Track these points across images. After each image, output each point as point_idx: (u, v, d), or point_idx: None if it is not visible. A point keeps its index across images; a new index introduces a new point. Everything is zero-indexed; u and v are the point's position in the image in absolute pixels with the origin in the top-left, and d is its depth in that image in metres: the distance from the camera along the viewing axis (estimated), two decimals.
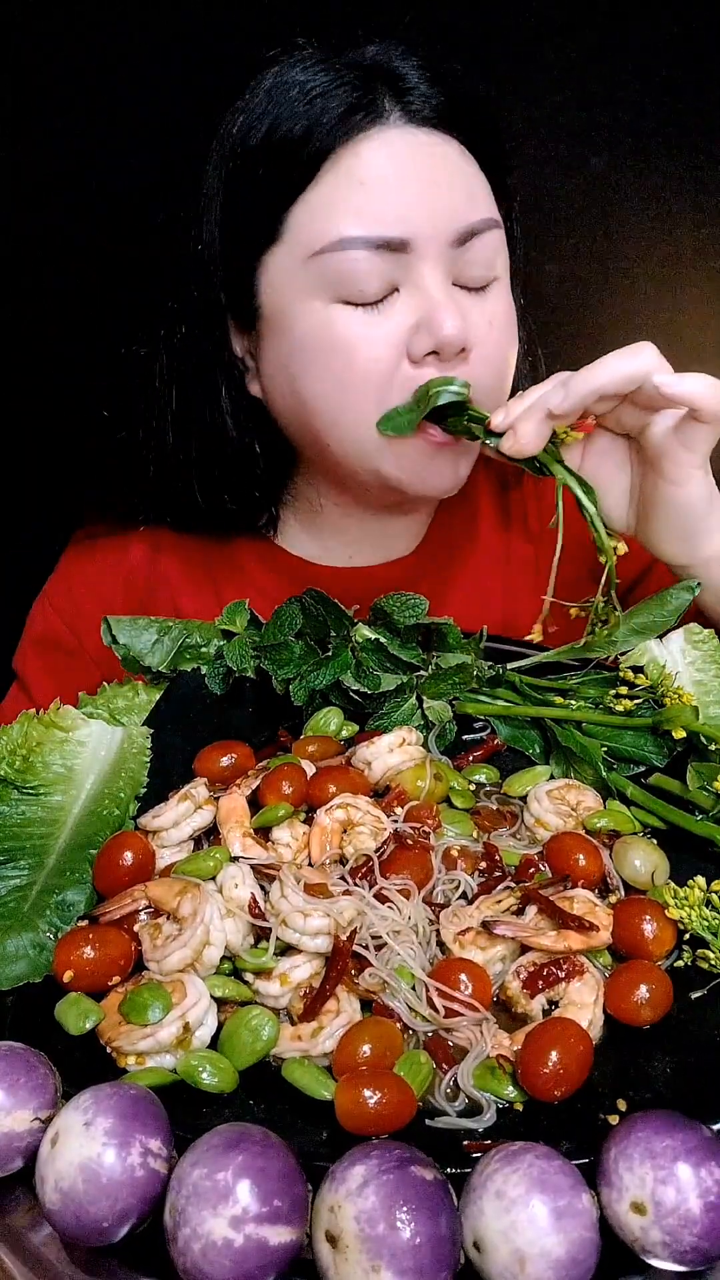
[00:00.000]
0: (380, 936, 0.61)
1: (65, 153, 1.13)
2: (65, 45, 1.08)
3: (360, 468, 0.90)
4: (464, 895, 0.66)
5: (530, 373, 1.02)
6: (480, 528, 1.09)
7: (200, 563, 1.06)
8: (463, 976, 0.58)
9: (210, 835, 0.71)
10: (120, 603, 1.05)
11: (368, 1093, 0.51)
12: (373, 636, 0.81)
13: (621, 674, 0.80)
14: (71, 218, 1.16)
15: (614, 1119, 0.52)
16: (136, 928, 0.62)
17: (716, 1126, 0.50)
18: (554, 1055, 0.53)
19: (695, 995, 0.60)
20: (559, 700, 0.80)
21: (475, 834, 0.72)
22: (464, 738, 0.82)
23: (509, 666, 0.85)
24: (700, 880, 0.64)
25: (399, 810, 0.71)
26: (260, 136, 0.82)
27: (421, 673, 0.81)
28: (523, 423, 0.81)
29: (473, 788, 0.76)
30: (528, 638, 0.85)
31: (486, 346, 0.86)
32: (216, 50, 1.04)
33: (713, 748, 0.73)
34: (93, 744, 0.76)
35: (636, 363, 0.78)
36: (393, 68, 0.82)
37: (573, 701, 0.80)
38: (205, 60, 1.04)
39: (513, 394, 0.99)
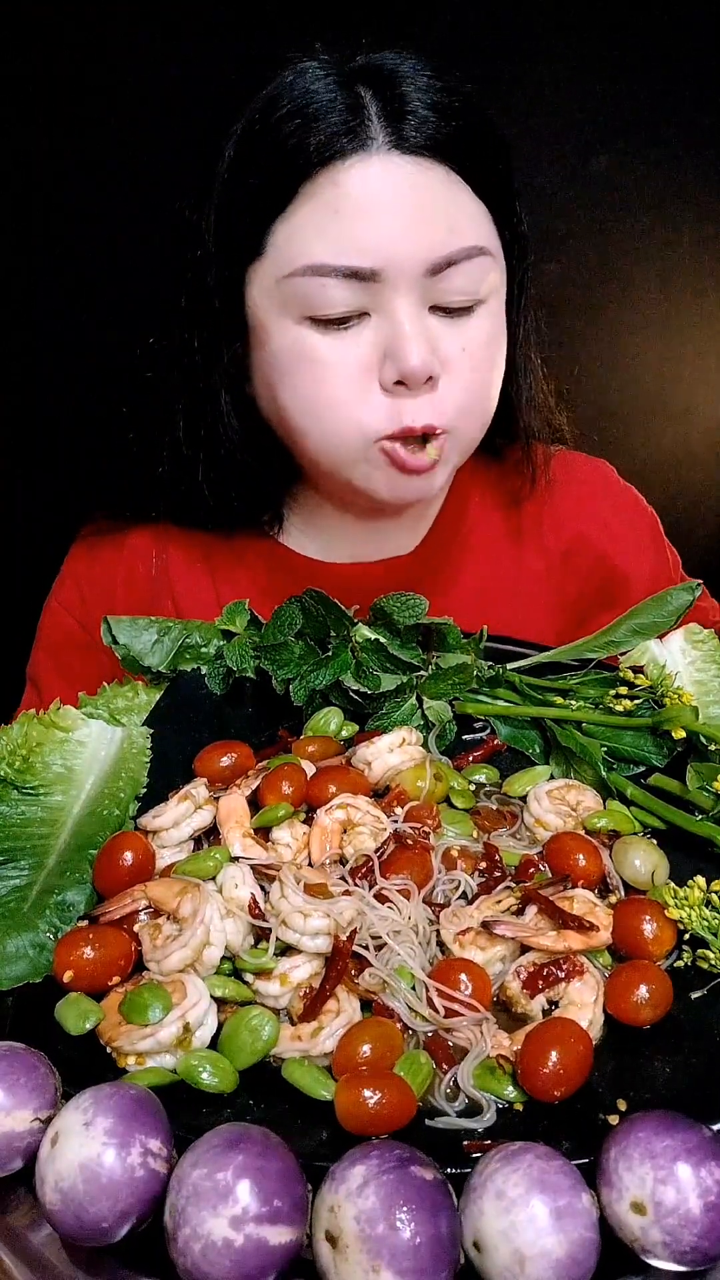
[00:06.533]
0: (380, 936, 0.61)
1: (74, 150, 1.13)
2: (71, 47, 1.08)
3: (335, 476, 0.92)
4: (464, 895, 0.66)
5: (544, 382, 1.03)
6: (482, 533, 1.09)
7: (202, 558, 1.06)
8: (463, 976, 0.58)
9: (210, 835, 0.71)
10: (123, 596, 1.06)
11: (368, 1093, 0.51)
12: (373, 636, 0.81)
13: (621, 674, 0.80)
14: (80, 217, 1.16)
15: (614, 1119, 0.52)
16: (136, 928, 0.62)
17: (716, 1126, 0.50)
18: (554, 1055, 0.53)
19: (695, 995, 0.60)
20: (559, 700, 0.80)
21: (475, 834, 0.72)
22: (464, 738, 0.82)
23: (509, 666, 0.85)
24: (700, 880, 0.64)
25: (399, 810, 0.71)
26: (252, 150, 0.82)
27: (421, 673, 0.81)
28: None
29: (473, 788, 0.76)
30: None
31: (460, 371, 0.86)
32: (228, 49, 1.04)
33: (713, 748, 0.73)
34: (93, 744, 0.76)
35: None
36: (396, 85, 0.81)
37: (573, 701, 0.80)
38: (216, 59, 1.04)
39: (517, 397, 0.99)
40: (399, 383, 0.84)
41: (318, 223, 0.81)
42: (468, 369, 0.87)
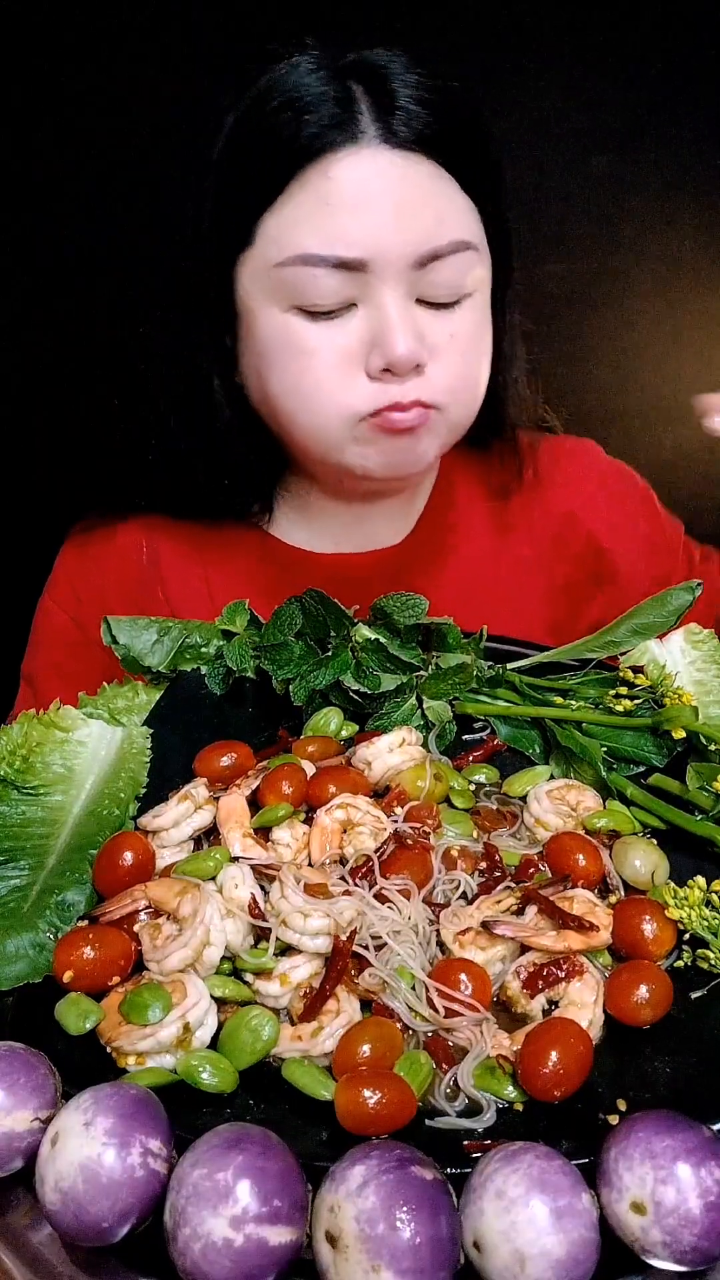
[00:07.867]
0: (380, 936, 0.61)
1: (68, 143, 1.13)
2: (68, 39, 1.08)
3: (325, 461, 0.93)
4: (464, 895, 0.66)
5: (529, 376, 1.03)
6: (470, 524, 1.10)
7: (193, 550, 1.07)
8: (463, 976, 0.58)
9: (210, 835, 0.71)
10: (115, 591, 1.06)
11: (368, 1093, 0.51)
12: (373, 636, 0.81)
13: (621, 674, 0.80)
14: (71, 205, 1.16)
15: (614, 1119, 0.52)
16: (136, 928, 0.62)
17: (716, 1126, 0.50)
18: (554, 1055, 0.53)
19: (695, 995, 0.60)
20: (559, 700, 0.80)
21: (475, 834, 0.72)
22: (464, 738, 0.82)
23: (509, 666, 0.85)
24: (700, 880, 0.64)
25: (399, 810, 0.71)
26: (243, 141, 0.83)
27: (421, 673, 0.81)
28: None
29: (473, 788, 0.76)
30: None
31: (448, 357, 0.88)
32: (219, 43, 1.04)
33: (713, 748, 0.73)
34: (93, 744, 0.76)
35: None
36: (386, 80, 0.82)
37: (573, 701, 0.80)
38: (207, 52, 1.05)
39: (502, 391, 1.00)
40: (386, 370, 0.85)
41: (308, 214, 0.82)
42: (456, 354, 0.89)
